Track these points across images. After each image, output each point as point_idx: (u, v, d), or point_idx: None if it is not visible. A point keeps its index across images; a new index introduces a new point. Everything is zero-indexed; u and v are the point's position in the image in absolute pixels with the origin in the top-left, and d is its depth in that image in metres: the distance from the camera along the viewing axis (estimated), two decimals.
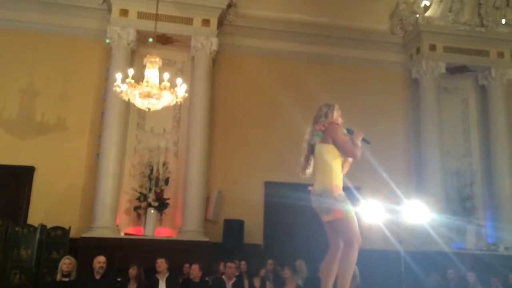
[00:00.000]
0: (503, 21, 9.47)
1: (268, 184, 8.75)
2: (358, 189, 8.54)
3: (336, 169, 3.15)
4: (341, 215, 3.07)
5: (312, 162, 3.33)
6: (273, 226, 8.62)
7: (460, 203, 8.87)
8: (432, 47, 9.34)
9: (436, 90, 9.26)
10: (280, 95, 9.03)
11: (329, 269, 3.18)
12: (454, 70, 9.54)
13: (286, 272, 6.30)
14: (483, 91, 9.69)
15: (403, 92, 9.69)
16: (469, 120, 9.70)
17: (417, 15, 9.34)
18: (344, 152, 3.15)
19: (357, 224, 3.11)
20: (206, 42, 8.49)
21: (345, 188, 9.23)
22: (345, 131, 3.28)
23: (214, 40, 8.52)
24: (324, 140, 3.18)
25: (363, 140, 3.27)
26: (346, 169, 3.31)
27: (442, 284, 7.24)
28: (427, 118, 9.06)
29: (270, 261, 7.17)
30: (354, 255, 3.06)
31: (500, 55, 9.52)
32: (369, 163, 8.35)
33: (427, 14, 9.37)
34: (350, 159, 3.29)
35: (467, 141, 9.59)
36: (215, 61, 8.78)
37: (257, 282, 6.64)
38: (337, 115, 3.31)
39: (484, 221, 8.97)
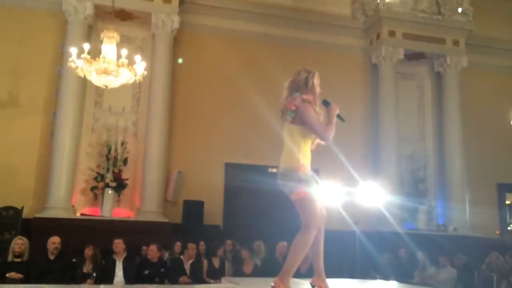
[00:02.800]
0: (460, 9, 9.75)
1: (228, 166, 8.77)
2: (317, 171, 8.68)
3: (305, 149, 3.00)
4: (303, 195, 2.93)
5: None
6: (233, 207, 8.67)
7: (413, 186, 9.22)
8: (392, 33, 9.52)
9: (394, 75, 9.49)
10: (241, 76, 8.99)
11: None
12: (412, 57, 9.79)
13: (244, 253, 6.39)
14: (438, 78, 10.00)
15: (363, 77, 9.87)
16: (424, 106, 10.02)
17: (378, 1, 9.47)
18: (315, 134, 3.00)
19: (318, 207, 2.97)
20: (167, 19, 8.30)
21: None
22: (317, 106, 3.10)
23: (176, 18, 8.34)
24: (294, 121, 2.99)
25: (338, 116, 3.13)
26: (314, 146, 3.14)
27: (393, 263, 7.55)
28: (385, 103, 9.29)
29: (228, 242, 7.25)
30: (310, 239, 2.94)
31: (456, 43, 9.83)
32: (328, 146, 8.57)
33: (388, 0, 9.53)
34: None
35: (422, 126, 9.92)
36: (176, 40, 8.60)
37: (216, 262, 6.70)
38: (316, 83, 3.10)
39: (435, 203, 9.38)
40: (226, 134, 8.72)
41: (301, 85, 3.07)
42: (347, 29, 9.82)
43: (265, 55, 8.81)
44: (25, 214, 7.18)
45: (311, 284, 3.11)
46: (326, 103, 3.11)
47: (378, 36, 9.60)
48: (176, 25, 8.35)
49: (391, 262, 7.55)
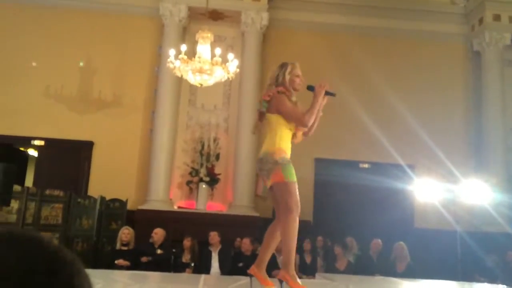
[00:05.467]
0: None
1: (318, 161, 8.68)
2: (411, 167, 8.32)
3: (282, 133, 3.05)
4: (280, 178, 2.94)
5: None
6: (322, 202, 8.57)
7: None
8: (497, 17, 8.74)
9: (499, 63, 8.69)
10: (332, 71, 8.82)
11: (266, 240, 3.14)
12: None
13: (337, 249, 6.28)
14: None
15: (463, 66, 9.18)
16: None
17: None
18: (292, 121, 3.06)
19: (296, 191, 2.96)
20: (256, 17, 8.42)
21: (397, 166, 8.97)
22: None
23: (265, 15, 8.43)
24: (269, 110, 3.08)
25: (327, 93, 3.14)
26: (299, 138, 3.19)
27: (500, 266, 6.95)
28: (489, 93, 8.55)
29: (320, 238, 7.18)
30: (294, 224, 2.91)
31: None
32: (424, 140, 8.11)
33: None
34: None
35: None
36: (265, 36, 8.69)
37: (307, 257, 6.67)
38: (291, 76, 3.14)
39: None
40: (316, 130, 8.61)
41: (273, 81, 3.19)
42: (445, 15, 9.18)
43: (356, 48, 8.56)
44: (129, 206, 7.71)
45: (279, 279, 3.00)
46: (310, 88, 3.14)
47: (481, 21, 8.85)
48: (265, 22, 8.44)
49: (497, 264, 6.95)
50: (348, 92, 8.71)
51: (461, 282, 5.42)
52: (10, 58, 8.49)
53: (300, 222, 8.34)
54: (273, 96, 3.09)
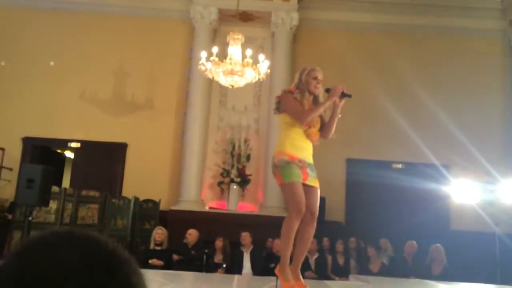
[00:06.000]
0: None
1: (350, 161, 8.58)
2: (446, 167, 8.11)
3: (288, 132, 3.14)
4: (279, 181, 3.07)
5: None
6: (354, 203, 8.47)
7: None
8: None
9: None
10: (363, 70, 8.70)
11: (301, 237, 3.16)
12: None
13: (371, 251, 6.19)
14: None
15: (501, 62, 8.88)
16: None
17: None
18: (294, 118, 3.13)
19: (298, 191, 2.99)
20: (286, 17, 8.41)
21: (432, 166, 8.75)
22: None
23: (295, 15, 8.41)
24: (280, 110, 3.22)
25: (344, 95, 3.17)
26: (316, 136, 3.20)
27: None
28: None
29: (352, 239, 7.09)
30: (291, 224, 2.98)
31: None
32: (459, 139, 7.89)
33: None
34: (316, 127, 3.20)
35: None
36: (295, 37, 8.67)
37: (340, 259, 6.60)
38: (307, 78, 3.22)
39: None
40: (347, 130, 8.47)
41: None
42: (481, 10, 8.89)
43: (388, 46, 8.43)
44: (162, 206, 7.83)
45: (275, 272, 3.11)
46: (328, 90, 3.23)
47: None
48: (295, 22, 8.41)
49: None
50: (380, 92, 8.60)
51: (499, 286, 5.24)
52: (48, 64, 8.79)
53: (331, 223, 8.27)
54: (280, 97, 3.22)
